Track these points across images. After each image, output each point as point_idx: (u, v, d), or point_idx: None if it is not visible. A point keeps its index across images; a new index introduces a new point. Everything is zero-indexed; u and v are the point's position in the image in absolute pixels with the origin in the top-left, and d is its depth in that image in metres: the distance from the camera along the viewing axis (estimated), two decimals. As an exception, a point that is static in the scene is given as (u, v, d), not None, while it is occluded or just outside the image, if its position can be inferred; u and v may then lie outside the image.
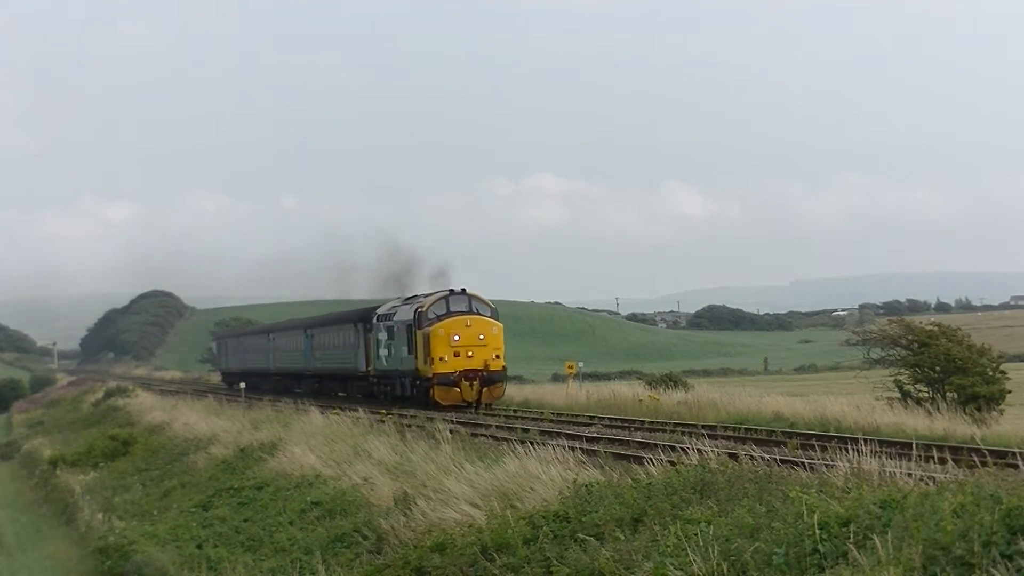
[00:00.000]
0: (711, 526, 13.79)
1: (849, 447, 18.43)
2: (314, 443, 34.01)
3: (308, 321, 73.99)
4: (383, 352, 54.11)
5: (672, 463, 19.47)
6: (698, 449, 19.61)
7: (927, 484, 14.34)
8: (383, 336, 54.12)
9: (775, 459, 18.85)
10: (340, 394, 63.23)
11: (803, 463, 18.57)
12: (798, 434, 29.86)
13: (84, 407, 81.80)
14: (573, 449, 24.12)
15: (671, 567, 13.00)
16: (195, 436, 46.40)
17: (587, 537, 15.67)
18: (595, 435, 32.81)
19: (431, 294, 51.42)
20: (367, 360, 56.91)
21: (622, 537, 15.20)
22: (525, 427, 34.33)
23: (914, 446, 20.33)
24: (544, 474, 20.81)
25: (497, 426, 36.40)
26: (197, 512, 31.68)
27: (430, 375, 48.18)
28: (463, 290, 50.34)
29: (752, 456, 18.29)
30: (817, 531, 12.02)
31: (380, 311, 55.76)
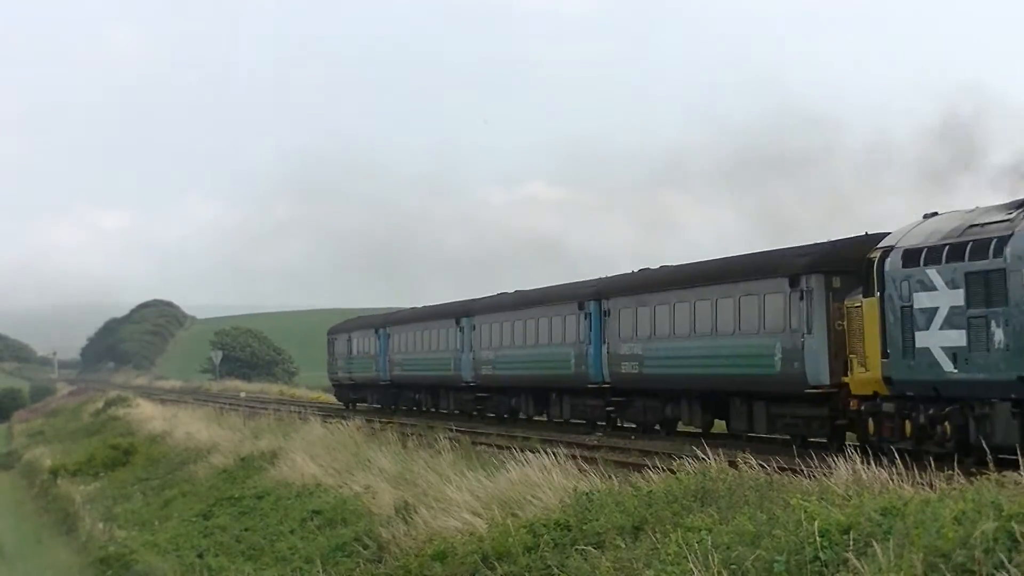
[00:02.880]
0: (712, 534, 13.79)
1: (850, 454, 18.39)
2: (315, 452, 33.98)
3: (596, 287, 40.33)
4: (951, 335, 22.85)
5: (672, 471, 19.46)
6: (699, 457, 19.59)
7: (928, 491, 14.34)
8: (951, 295, 22.96)
9: (776, 466, 18.83)
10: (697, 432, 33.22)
11: (804, 470, 18.55)
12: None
13: (84, 416, 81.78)
14: (574, 457, 24.11)
15: (672, 575, 13.01)
16: (196, 445, 46.36)
17: (587, 547, 15.68)
18: (596, 443, 32.79)
19: None
20: (855, 356, 26.16)
21: (623, 545, 15.20)
22: (526, 435, 34.31)
23: (897, 453, 20.30)
24: (545, 482, 20.80)
25: (498, 434, 36.37)
26: (198, 521, 31.67)
27: None
28: None
29: (752, 463, 18.27)
30: (818, 538, 12.02)
31: (919, 241, 24.02)
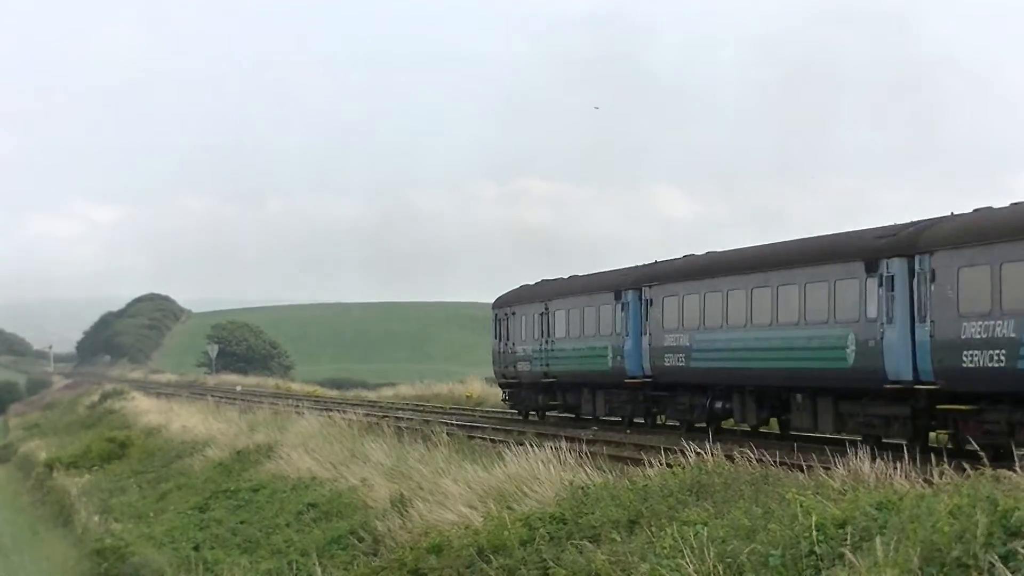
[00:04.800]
0: (707, 528, 13.79)
1: (846, 449, 18.41)
2: (311, 445, 33.98)
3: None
4: None
5: (669, 465, 19.45)
6: (695, 451, 19.58)
7: (923, 486, 14.34)
8: None
9: (772, 461, 18.83)
10: None
11: (800, 465, 18.56)
12: (795, 436, 29.82)
13: (80, 409, 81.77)
14: (570, 451, 24.09)
15: (667, 569, 13.00)
16: (192, 438, 46.36)
17: (583, 540, 15.68)
18: (592, 437, 32.76)
19: None
20: None
21: (618, 539, 15.21)
22: (522, 428, 34.31)
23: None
24: (541, 475, 20.80)
25: (494, 428, 36.33)
26: (194, 514, 31.68)
27: None
28: None
29: (749, 458, 18.27)
30: (814, 533, 12.03)
31: None
